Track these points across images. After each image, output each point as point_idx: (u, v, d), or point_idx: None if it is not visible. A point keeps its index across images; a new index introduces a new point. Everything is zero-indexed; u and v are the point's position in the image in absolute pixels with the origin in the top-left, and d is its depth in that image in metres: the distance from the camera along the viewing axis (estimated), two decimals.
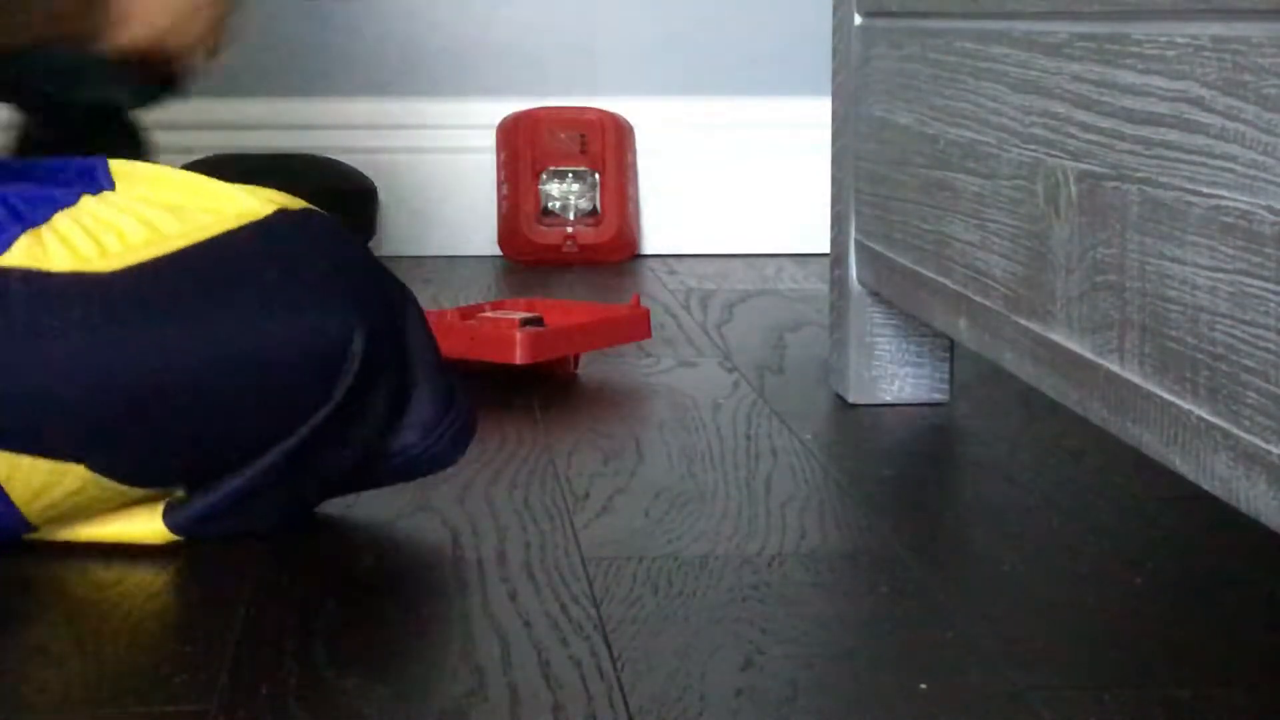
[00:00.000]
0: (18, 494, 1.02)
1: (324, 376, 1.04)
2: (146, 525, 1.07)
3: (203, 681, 0.86)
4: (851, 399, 1.46)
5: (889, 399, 1.46)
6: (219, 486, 1.06)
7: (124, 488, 1.04)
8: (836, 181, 1.51)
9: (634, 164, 2.41)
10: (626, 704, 0.83)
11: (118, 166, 1.08)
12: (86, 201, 1.05)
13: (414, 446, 1.10)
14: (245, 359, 1.03)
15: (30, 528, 1.05)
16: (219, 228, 1.06)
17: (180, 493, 1.07)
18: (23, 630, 0.95)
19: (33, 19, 1.18)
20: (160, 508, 1.07)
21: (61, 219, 1.04)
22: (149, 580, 1.03)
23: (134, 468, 1.03)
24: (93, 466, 1.02)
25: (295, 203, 1.10)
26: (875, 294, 1.45)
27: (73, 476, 1.02)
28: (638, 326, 1.60)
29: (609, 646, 0.91)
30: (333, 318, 1.04)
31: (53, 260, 1.02)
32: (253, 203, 1.08)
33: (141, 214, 1.05)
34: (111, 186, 1.07)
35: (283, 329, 1.04)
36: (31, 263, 1.01)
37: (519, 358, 1.49)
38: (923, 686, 0.86)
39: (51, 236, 1.02)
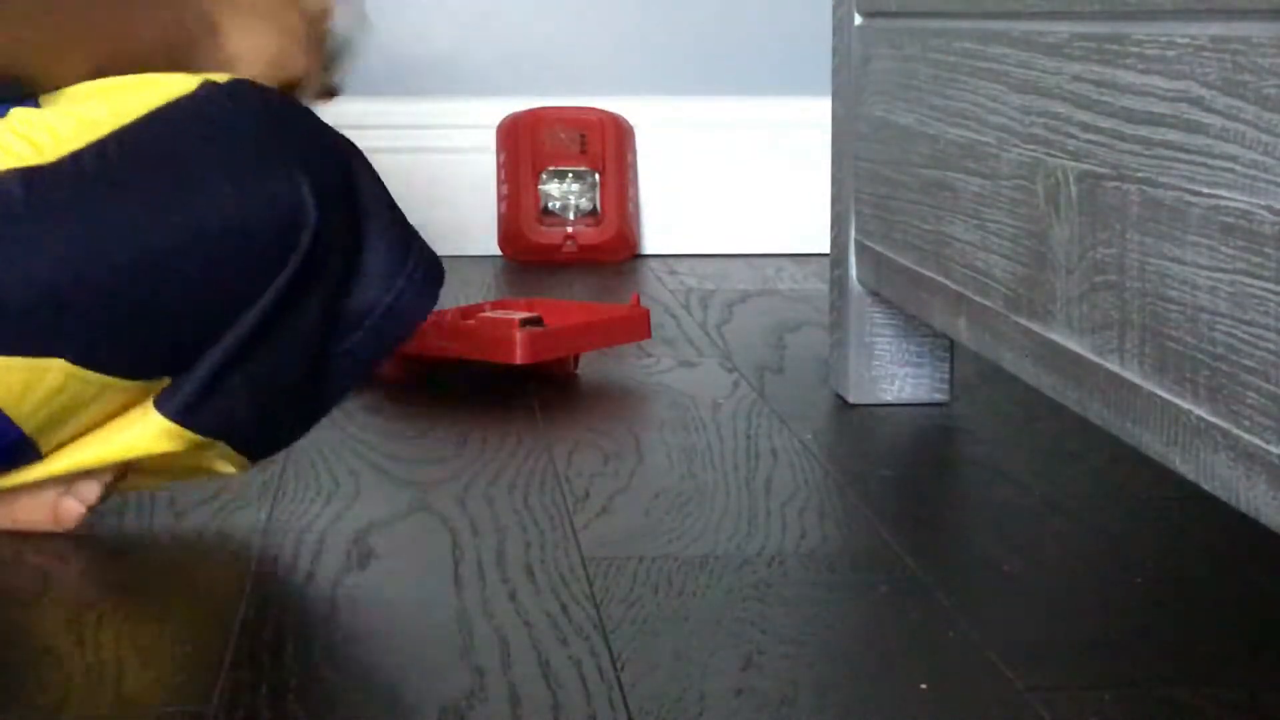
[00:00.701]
0: (2, 396, 1.01)
1: (280, 239, 1.04)
2: (145, 428, 1.06)
3: (203, 681, 0.86)
4: (851, 399, 1.46)
5: (889, 399, 1.46)
6: (199, 365, 1.05)
7: (107, 379, 1.03)
8: (836, 181, 1.52)
9: (634, 164, 2.41)
10: (626, 704, 0.83)
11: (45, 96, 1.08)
12: (15, 111, 1.06)
13: (380, 301, 1.09)
14: (197, 230, 1.03)
15: (30, 442, 1.05)
16: (148, 106, 1.06)
17: (165, 381, 1.06)
18: (23, 630, 0.95)
19: (140, 48, 1.17)
20: (150, 404, 1.06)
21: None
22: (149, 580, 1.03)
23: (110, 355, 1.03)
24: (71, 359, 1.02)
25: (222, 76, 1.09)
26: (875, 294, 1.45)
27: (53, 373, 1.02)
28: (638, 327, 1.60)
29: (609, 646, 0.91)
30: (279, 180, 1.04)
31: None
32: (178, 81, 1.07)
33: (69, 111, 1.05)
34: (37, 105, 1.07)
35: (231, 196, 1.03)
36: None
37: (519, 358, 1.49)
38: (923, 686, 0.86)
39: None
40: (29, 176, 1.03)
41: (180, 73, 1.09)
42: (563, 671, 0.87)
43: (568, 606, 0.97)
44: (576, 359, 1.59)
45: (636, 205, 2.41)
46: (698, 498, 1.18)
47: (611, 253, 2.37)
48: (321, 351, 1.09)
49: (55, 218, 1.02)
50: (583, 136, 2.37)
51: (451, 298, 2.01)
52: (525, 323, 1.55)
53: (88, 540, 1.09)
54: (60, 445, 1.06)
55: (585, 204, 2.39)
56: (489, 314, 1.60)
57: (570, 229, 2.37)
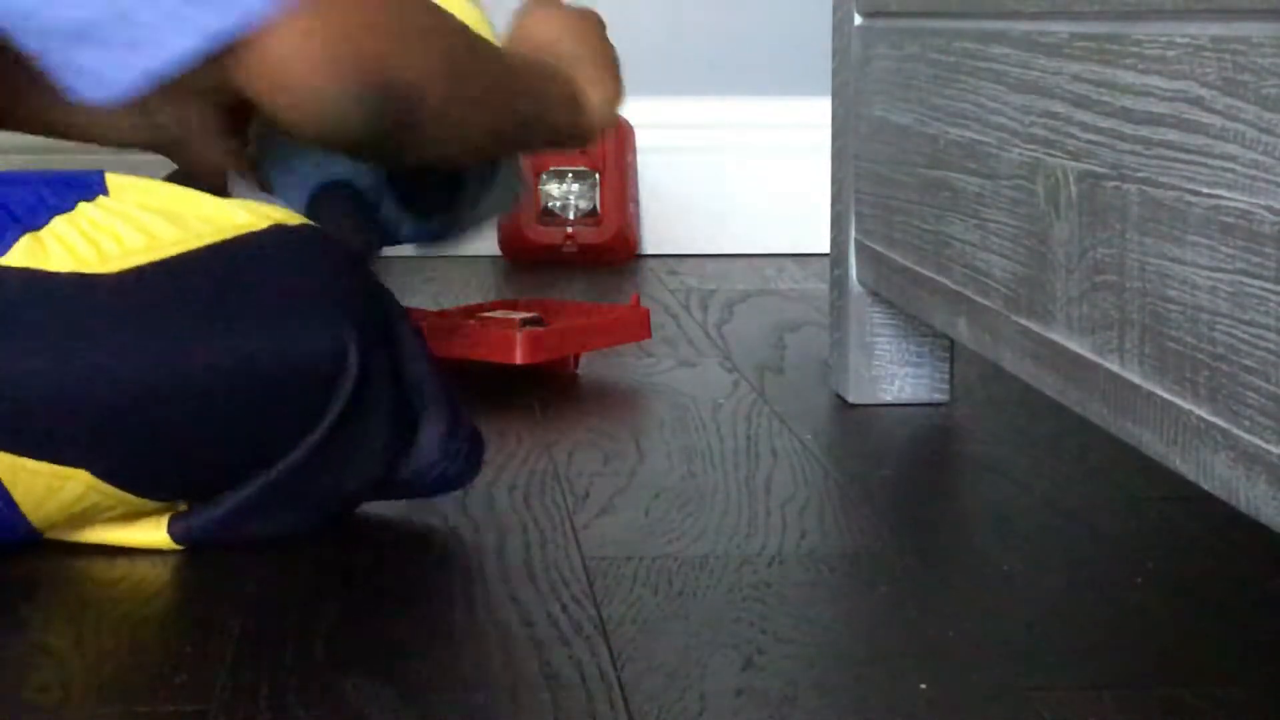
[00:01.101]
0: (21, 498, 1.02)
1: (319, 391, 1.05)
2: (151, 534, 1.07)
3: (203, 681, 0.86)
4: (851, 399, 1.46)
5: (889, 399, 1.46)
6: (221, 501, 1.06)
7: (126, 495, 1.04)
8: (836, 181, 1.51)
9: (634, 164, 2.41)
10: (626, 704, 0.83)
11: (113, 177, 1.08)
12: (83, 207, 1.05)
13: (427, 470, 1.10)
14: (238, 370, 1.03)
15: (37, 535, 1.05)
16: (215, 236, 1.06)
17: (183, 505, 1.07)
18: (23, 630, 0.95)
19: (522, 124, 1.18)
20: (164, 520, 1.07)
21: (59, 223, 1.04)
22: (149, 580, 1.03)
23: (134, 475, 1.03)
24: (95, 472, 1.02)
25: (293, 218, 1.10)
26: (875, 294, 1.45)
27: (75, 483, 1.02)
28: (638, 327, 1.60)
29: (609, 646, 0.91)
30: (326, 333, 1.05)
31: (52, 262, 1.02)
32: (249, 216, 1.08)
33: (138, 220, 1.05)
34: (106, 194, 1.07)
35: (277, 342, 1.04)
36: (32, 263, 1.02)
37: (519, 357, 1.49)
38: (923, 686, 0.86)
39: (51, 239, 1.03)
40: (86, 283, 1.02)
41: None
42: (563, 671, 0.87)
43: (568, 606, 0.97)
44: (577, 359, 1.59)
45: (636, 205, 2.41)
46: (698, 498, 1.18)
47: (611, 253, 2.37)
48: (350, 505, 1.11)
49: (103, 331, 1.02)
50: None
51: (452, 298, 2.01)
52: (526, 323, 1.54)
53: (88, 542, 1.09)
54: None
55: (585, 204, 2.39)
56: (490, 314, 1.60)
57: (570, 229, 2.36)
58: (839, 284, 1.50)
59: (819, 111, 2.39)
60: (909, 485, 1.23)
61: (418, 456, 1.10)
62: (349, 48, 1.03)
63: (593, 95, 1.27)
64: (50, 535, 1.06)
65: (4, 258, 1.01)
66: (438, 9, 1.11)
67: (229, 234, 1.06)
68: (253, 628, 0.94)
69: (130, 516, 1.06)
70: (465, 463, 1.12)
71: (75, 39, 1.02)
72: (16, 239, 1.02)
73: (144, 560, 1.06)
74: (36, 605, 0.99)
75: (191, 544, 1.07)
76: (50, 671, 0.89)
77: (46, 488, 1.02)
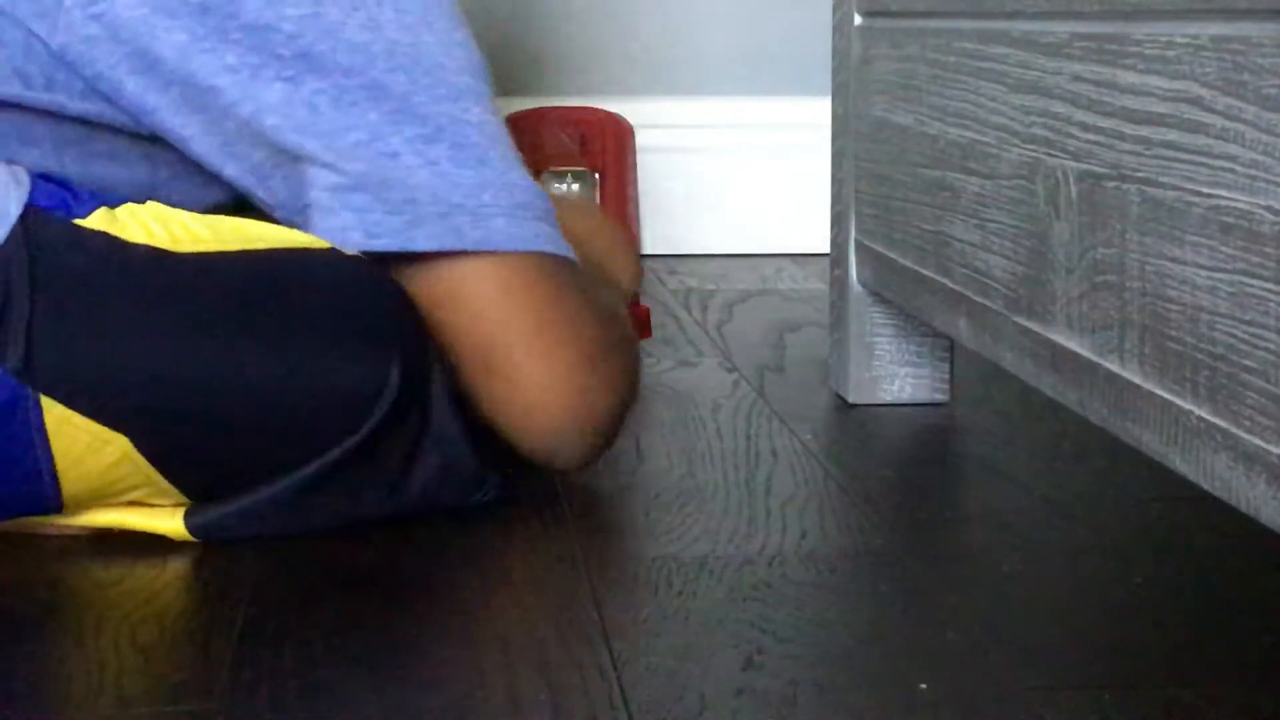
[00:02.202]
0: (62, 452, 1.03)
1: (355, 410, 1.06)
2: (166, 522, 1.08)
3: (203, 681, 0.86)
4: (851, 399, 1.46)
5: (889, 399, 1.46)
6: (241, 496, 1.08)
7: (155, 474, 1.05)
8: (836, 181, 1.51)
9: (634, 164, 2.41)
10: (626, 704, 0.83)
11: None
12: (151, 203, 1.10)
13: (450, 501, 1.13)
14: (285, 378, 1.06)
15: (60, 504, 1.05)
16: (279, 242, 1.09)
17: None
18: (23, 630, 0.95)
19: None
20: (180, 510, 1.08)
21: (131, 206, 1.08)
22: (149, 580, 1.03)
23: (169, 453, 1.05)
24: (134, 442, 1.03)
25: (349, 253, 1.12)
26: (875, 294, 1.45)
27: (114, 448, 1.03)
28: (639, 327, 1.59)
29: (609, 646, 0.91)
30: (373, 358, 1.07)
31: (128, 234, 1.06)
32: (309, 237, 1.11)
33: (203, 219, 1.09)
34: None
35: (327, 359, 1.06)
36: (109, 228, 1.05)
37: None
38: (923, 686, 0.86)
39: (126, 216, 1.07)
40: (159, 257, 1.05)
41: None
42: (563, 671, 0.87)
43: (568, 606, 0.97)
44: None
45: (636, 205, 2.41)
46: (698, 498, 1.18)
47: None
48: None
49: (168, 309, 1.04)
50: (583, 136, 2.37)
51: None
52: None
53: (88, 540, 1.09)
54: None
55: None
56: None
57: None
58: (839, 284, 1.50)
59: (819, 111, 2.39)
60: (909, 485, 1.23)
61: (442, 494, 1.12)
62: (587, 395, 1.13)
63: (626, 284, 1.39)
64: (71, 516, 1.07)
65: (84, 220, 1.05)
66: (616, 314, 1.20)
67: (292, 244, 1.09)
68: (253, 628, 0.94)
69: (147, 504, 1.08)
70: (491, 498, 1.14)
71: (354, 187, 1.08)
72: (96, 208, 1.07)
73: (144, 560, 1.06)
74: (36, 605, 0.99)
75: (204, 537, 1.08)
76: (50, 671, 0.89)
77: (87, 447, 1.03)
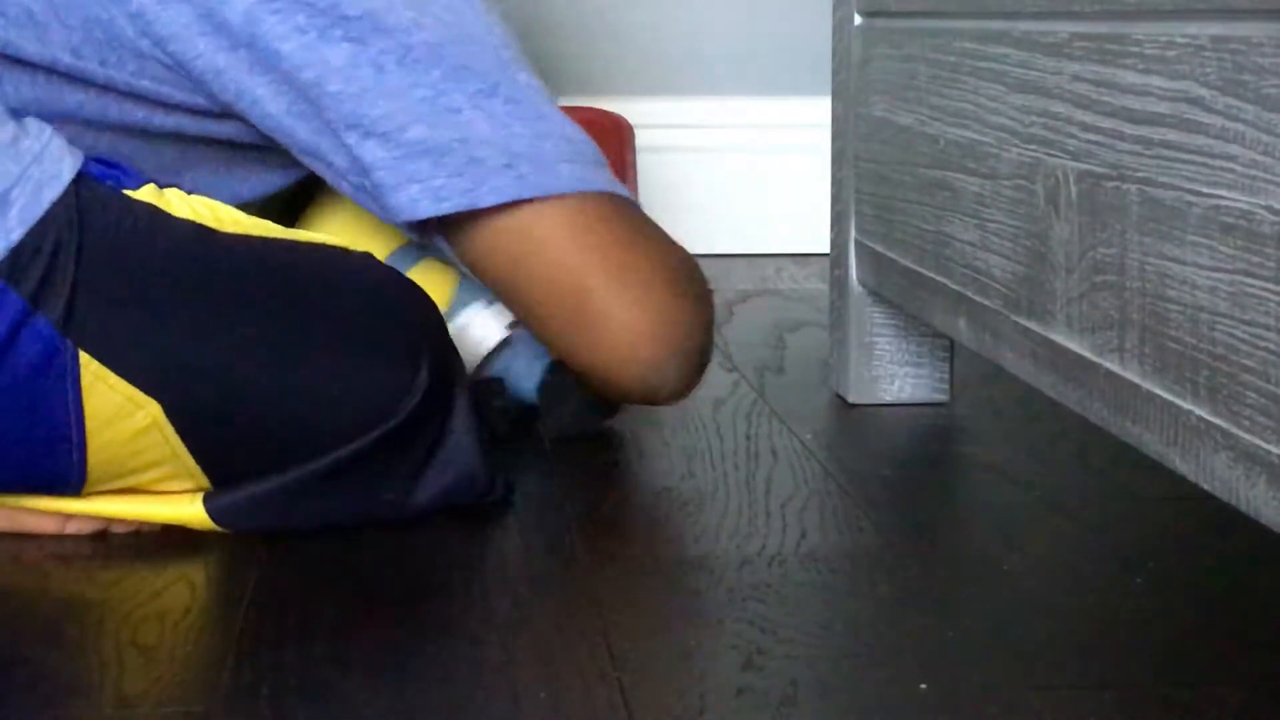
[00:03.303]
0: (94, 411, 1.03)
1: (382, 408, 1.08)
2: (185, 510, 1.08)
3: (203, 681, 0.86)
4: (851, 399, 1.46)
5: (889, 399, 1.46)
6: (259, 483, 1.08)
7: (181, 448, 1.06)
8: (836, 181, 1.51)
9: (634, 164, 2.41)
10: (626, 704, 0.83)
11: None
12: (199, 196, 1.12)
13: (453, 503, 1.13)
14: (317, 376, 1.07)
15: (83, 474, 1.06)
16: (316, 239, 1.12)
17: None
18: (23, 630, 0.95)
19: None
20: (199, 497, 1.09)
21: (175, 191, 1.11)
22: (149, 580, 1.03)
23: (196, 426, 1.06)
24: (165, 409, 1.04)
25: (381, 262, 1.15)
26: (875, 294, 1.45)
27: (144, 414, 1.04)
28: None
29: (609, 646, 0.91)
30: (402, 362, 1.09)
31: (174, 209, 1.08)
32: (343, 241, 1.13)
33: (250, 216, 1.11)
34: None
35: (356, 359, 1.08)
36: (157, 202, 1.08)
37: None
38: (923, 686, 0.86)
39: (173, 195, 1.09)
40: (203, 234, 1.08)
41: None
42: (563, 671, 0.87)
43: (567, 607, 0.97)
44: None
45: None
46: (698, 498, 1.18)
47: None
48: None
49: (210, 283, 1.06)
50: None
51: None
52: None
53: (88, 540, 1.09)
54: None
55: None
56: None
57: None
58: (839, 284, 1.50)
59: (819, 111, 2.39)
60: (909, 485, 1.23)
61: (455, 496, 1.12)
62: (679, 326, 1.15)
63: None
64: (91, 500, 1.08)
65: (134, 193, 1.07)
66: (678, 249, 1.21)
67: (330, 240, 1.12)
68: (253, 628, 0.94)
69: (164, 490, 1.08)
70: (504, 498, 1.15)
71: (417, 154, 1.10)
72: (145, 183, 1.09)
73: (144, 560, 1.06)
74: (36, 605, 1.00)
75: (222, 522, 1.08)
76: (50, 672, 0.89)
77: (119, 409, 1.04)
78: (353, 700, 0.84)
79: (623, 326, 1.14)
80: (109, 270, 1.04)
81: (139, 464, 1.06)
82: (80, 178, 1.05)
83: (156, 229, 1.06)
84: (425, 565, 1.05)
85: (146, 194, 1.08)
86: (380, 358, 1.08)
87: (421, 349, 1.09)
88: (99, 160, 1.10)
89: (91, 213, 1.04)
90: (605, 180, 1.15)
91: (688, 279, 1.17)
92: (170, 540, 1.09)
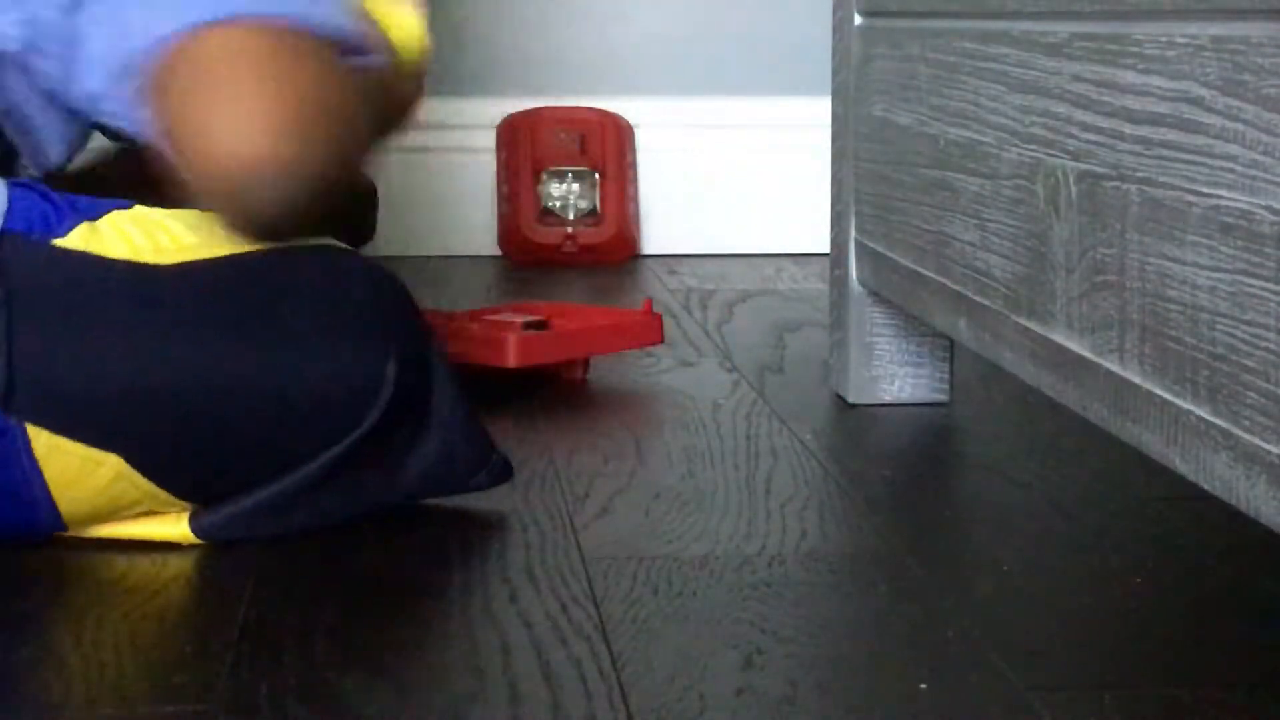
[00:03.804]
0: (55, 478, 1.02)
1: (353, 407, 1.07)
2: (172, 528, 1.08)
3: (203, 681, 0.86)
4: (851, 399, 1.46)
5: (889, 399, 1.46)
6: (245, 498, 1.07)
7: (154, 488, 1.05)
8: (836, 181, 1.51)
9: (634, 164, 2.41)
10: (626, 704, 0.83)
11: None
12: (138, 207, 1.08)
13: (453, 489, 1.13)
14: (279, 381, 1.06)
15: (61, 525, 1.05)
16: (268, 245, 1.08)
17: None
18: (23, 630, 0.95)
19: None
20: (185, 515, 1.08)
21: (117, 215, 1.07)
22: (149, 580, 1.03)
23: (165, 468, 1.05)
24: (127, 459, 1.03)
25: (339, 245, 1.12)
26: (875, 294, 1.45)
27: (106, 469, 1.03)
28: (646, 331, 1.57)
29: (609, 646, 0.91)
30: (369, 353, 1.07)
31: (109, 249, 1.04)
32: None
33: (193, 221, 1.07)
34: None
35: (321, 357, 1.06)
36: (89, 248, 1.04)
37: (511, 360, 1.48)
38: (923, 686, 0.86)
39: (108, 229, 1.05)
40: (141, 272, 1.04)
41: None
42: (563, 671, 0.87)
43: (568, 606, 0.97)
44: (586, 367, 1.57)
45: (636, 205, 2.41)
46: (698, 498, 1.18)
47: (611, 253, 2.37)
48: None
49: (150, 323, 1.04)
50: (583, 136, 2.37)
51: (451, 298, 2.01)
52: (529, 325, 1.54)
53: (88, 540, 1.09)
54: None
55: (585, 204, 2.39)
56: (500, 316, 1.59)
57: (570, 229, 2.36)
58: (839, 284, 1.50)
59: (819, 111, 2.39)
60: (909, 485, 1.23)
61: (445, 477, 1.12)
62: (281, 147, 1.03)
63: (396, 30, 1.24)
64: (73, 531, 1.07)
65: (62, 240, 1.04)
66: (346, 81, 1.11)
67: (281, 245, 1.08)
68: (253, 628, 0.94)
69: (152, 513, 1.07)
70: (493, 481, 1.15)
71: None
72: (75, 225, 1.05)
73: (144, 560, 1.06)
74: (36, 605, 0.99)
75: (212, 539, 1.08)
76: (50, 671, 0.89)
77: (80, 470, 1.03)
78: (353, 700, 0.84)
79: (222, 133, 1.02)
80: (45, 337, 1.01)
81: (118, 507, 1.06)
82: (3, 237, 1.02)
83: (89, 279, 1.03)
84: (425, 565, 1.05)
85: (77, 238, 1.04)
86: (343, 356, 1.06)
87: (387, 338, 1.07)
88: (25, 186, 1.05)
89: (20, 279, 1.01)
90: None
91: (320, 118, 1.06)
92: (171, 540, 1.09)
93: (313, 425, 1.06)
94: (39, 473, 1.02)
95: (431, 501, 1.16)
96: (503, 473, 1.15)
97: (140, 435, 1.03)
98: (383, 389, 1.07)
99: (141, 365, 1.02)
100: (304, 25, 1.07)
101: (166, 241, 1.06)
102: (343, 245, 1.12)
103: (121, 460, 1.03)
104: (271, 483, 1.07)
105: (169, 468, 1.05)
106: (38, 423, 1.01)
